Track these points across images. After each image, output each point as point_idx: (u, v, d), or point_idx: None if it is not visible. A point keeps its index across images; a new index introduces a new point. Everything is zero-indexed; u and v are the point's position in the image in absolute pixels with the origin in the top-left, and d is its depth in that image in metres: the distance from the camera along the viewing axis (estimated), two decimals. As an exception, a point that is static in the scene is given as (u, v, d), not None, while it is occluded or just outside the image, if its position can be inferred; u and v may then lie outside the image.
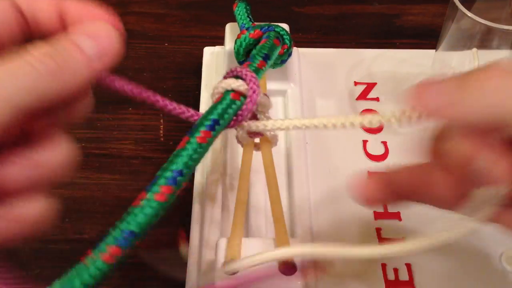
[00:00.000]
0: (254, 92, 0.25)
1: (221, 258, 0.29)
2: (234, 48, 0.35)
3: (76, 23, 0.23)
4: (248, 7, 0.38)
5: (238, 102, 0.25)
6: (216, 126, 0.23)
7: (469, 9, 0.37)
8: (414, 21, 0.51)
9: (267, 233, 0.35)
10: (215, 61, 0.44)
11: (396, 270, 0.34)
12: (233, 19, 0.39)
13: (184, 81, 0.47)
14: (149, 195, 0.20)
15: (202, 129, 0.23)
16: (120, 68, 0.51)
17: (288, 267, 0.29)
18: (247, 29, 0.35)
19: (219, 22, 0.45)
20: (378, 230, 0.36)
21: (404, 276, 0.34)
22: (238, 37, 0.35)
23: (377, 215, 0.36)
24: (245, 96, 0.25)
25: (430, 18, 0.52)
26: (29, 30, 0.23)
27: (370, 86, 0.43)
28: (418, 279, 0.33)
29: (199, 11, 0.53)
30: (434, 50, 0.42)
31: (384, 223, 0.36)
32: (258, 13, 0.39)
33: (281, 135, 0.30)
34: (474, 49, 0.38)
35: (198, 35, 0.51)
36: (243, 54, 0.35)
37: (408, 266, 0.34)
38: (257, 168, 0.34)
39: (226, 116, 0.24)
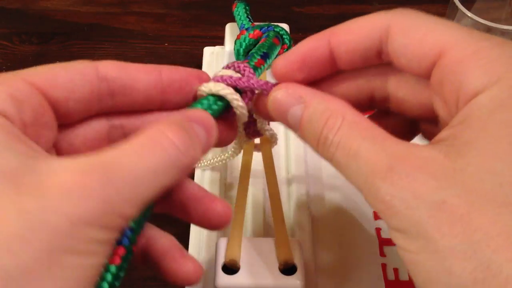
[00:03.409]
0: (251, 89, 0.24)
1: (221, 258, 0.29)
2: (234, 49, 0.35)
3: (172, 88, 0.23)
4: (247, 7, 0.38)
5: (210, 111, 0.23)
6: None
7: (469, 9, 0.37)
8: (414, 21, 0.51)
9: (267, 233, 0.35)
10: (215, 61, 0.44)
11: (396, 270, 0.34)
12: (233, 19, 0.39)
13: (184, 81, 0.47)
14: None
15: None
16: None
17: (288, 267, 0.29)
18: (247, 29, 0.35)
19: (219, 22, 0.45)
20: (378, 230, 0.36)
21: (404, 276, 0.34)
22: (238, 37, 0.35)
23: (377, 215, 0.36)
24: (223, 101, 0.24)
25: (430, 18, 0.52)
26: (113, 92, 0.23)
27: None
28: (418, 279, 0.33)
29: (199, 11, 0.53)
30: (434, 50, 0.41)
31: (384, 223, 0.36)
32: (258, 13, 0.39)
33: (280, 134, 0.31)
34: (474, 49, 0.37)
35: (198, 35, 0.51)
36: (243, 55, 0.35)
37: (408, 266, 0.34)
38: (257, 168, 0.34)
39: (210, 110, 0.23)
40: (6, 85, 0.20)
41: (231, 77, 0.24)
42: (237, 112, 0.24)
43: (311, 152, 0.39)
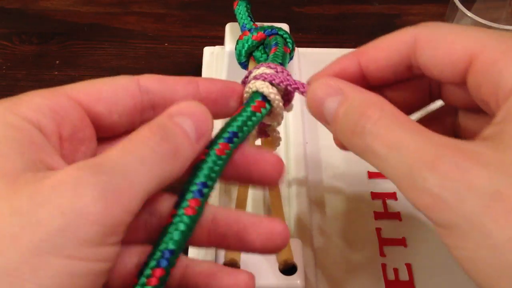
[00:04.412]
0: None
1: (221, 258, 0.29)
2: (236, 49, 0.35)
3: (208, 100, 0.23)
4: (248, 5, 0.38)
5: (258, 114, 0.24)
6: (234, 139, 0.23)
7: (469, 9, 0.37)
8: (414, 21, 0.51)
9: (267, 233, 0.35)
10: (215, 61, 0.44)
11: (396, 270, 0.34)
12: (233, 19, 0.39)
13: (184, 81, 0.47)
14: (179, 211, 0.20)
15: (221, 141, 0.22)
16: (120, 68, 0.52)
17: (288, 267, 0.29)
18: (250, 30, 0.35)
19: (219, 22, 0.45)
20: (378, 230, 0.36)
21: (404, 276, 0.34)
22: (240, 38, 0.35)
23: (377, 215, 0.36)
24: (270, 103, 0.25)
25: (430, 18, 0.52)
26: (152, 108, 0.23)
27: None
28: (418, 279, 0.33)
29: (199, 11, 0.53)
30: (434, 50, 0.41)
31: (384, 223, 0.36)
32: (258, 13, 0.39)
33: (280, 134, 0.30)
34: (474, 49, 0.37)
35: (198, 35, 0.51)
36: (245, 56, 0.35)
37: (408, 266, 0.34)
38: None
39: (245, 128, 0.23)
40: (49, 99, 0.20)
41: (280, 75, 0.25)
42: (276, 111, 0.25)
43: (312, 153, 0.39)
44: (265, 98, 0.24)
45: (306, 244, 0.33)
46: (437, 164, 0.18)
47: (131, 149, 0.19)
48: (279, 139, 0.28)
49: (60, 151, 0.21)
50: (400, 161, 0.19)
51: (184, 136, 0.21)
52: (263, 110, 0.24)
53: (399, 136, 0.19)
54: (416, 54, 0.22)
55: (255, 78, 0.25)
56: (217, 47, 0.45)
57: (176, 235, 0.20)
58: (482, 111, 0.23)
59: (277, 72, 0.25)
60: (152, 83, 0.23)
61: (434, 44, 0.22)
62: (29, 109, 0.20)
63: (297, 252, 0.29)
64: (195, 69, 0.46)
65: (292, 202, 0.36)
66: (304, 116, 0.41)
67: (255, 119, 0.24)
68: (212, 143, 0.22)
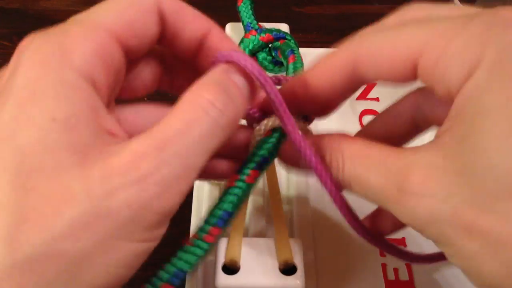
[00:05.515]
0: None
1: (221, 258, 0.29)
2: (240, 46, 0.35)
3: (210, 52, 0.23)
4: (252, 4, 0.38)
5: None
6: (264, 165, 0.23)
7: (469, 9, 0.37)
8: (414, 21, 0.51)
9: (267, 233, 0.35)
10: (215, 61, 0.44)
11: (396, 270, 0.34)
12: (233, 19, 0.39)
13: (184, 81, 0.47)
14: (199, 235, 0.20)
15: (252, 167, 0.22)
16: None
17: (288, 267, 0.29)
18: (257, 30, 0.34)
19: (219, 22, 0.45)
20: (378, 230, 0.36)
21: (404, 276, 0.34)
22: (247, 36, 0.34)
23: (377, 215, 0.36)
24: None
25: (430, 18, 0.52)
26: (164, 34, 0.22)
27: (370, 86, 0.43)
28: (418, 279, 0.33)
29: (199, 11, 0.53)
30: (434, 50, 0.41)
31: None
32: (258, 13, 0.39)
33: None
34: (474, 49, 0.37)
35: (198, 35, 0.51)
36: (248, 55, 0.35)
37: (408, 266, 0.34)
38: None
39: (275, 152, 0.23)
40: (96, 43, 0.19)
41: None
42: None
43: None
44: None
45: (306, 244, 0.33)
46: (400, 197, 0.19)
47: (193, 124, 0.18)
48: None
49: (108, 104, 0.20)
50: (377, 199, 0.21)
51: (241, 100, 0.20)
52: (278, 145, 0.24)
53: (366, 176, 0.21)
54: (361, 72, 0.22)
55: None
56: (217, 47, 0.45)
57: (191, 258, 0.20)
58: None
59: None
60: (172, 9, 0.22)
61: (374, 57, 0.21)
62: (82, 60, 0.19)
63: (297, 252, 0.29)
64: (195, 69, 0.46)
65: (293, 202, 0.36)
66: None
67: (283, 140, 0.24)
68: (242, 168, 0.22)
